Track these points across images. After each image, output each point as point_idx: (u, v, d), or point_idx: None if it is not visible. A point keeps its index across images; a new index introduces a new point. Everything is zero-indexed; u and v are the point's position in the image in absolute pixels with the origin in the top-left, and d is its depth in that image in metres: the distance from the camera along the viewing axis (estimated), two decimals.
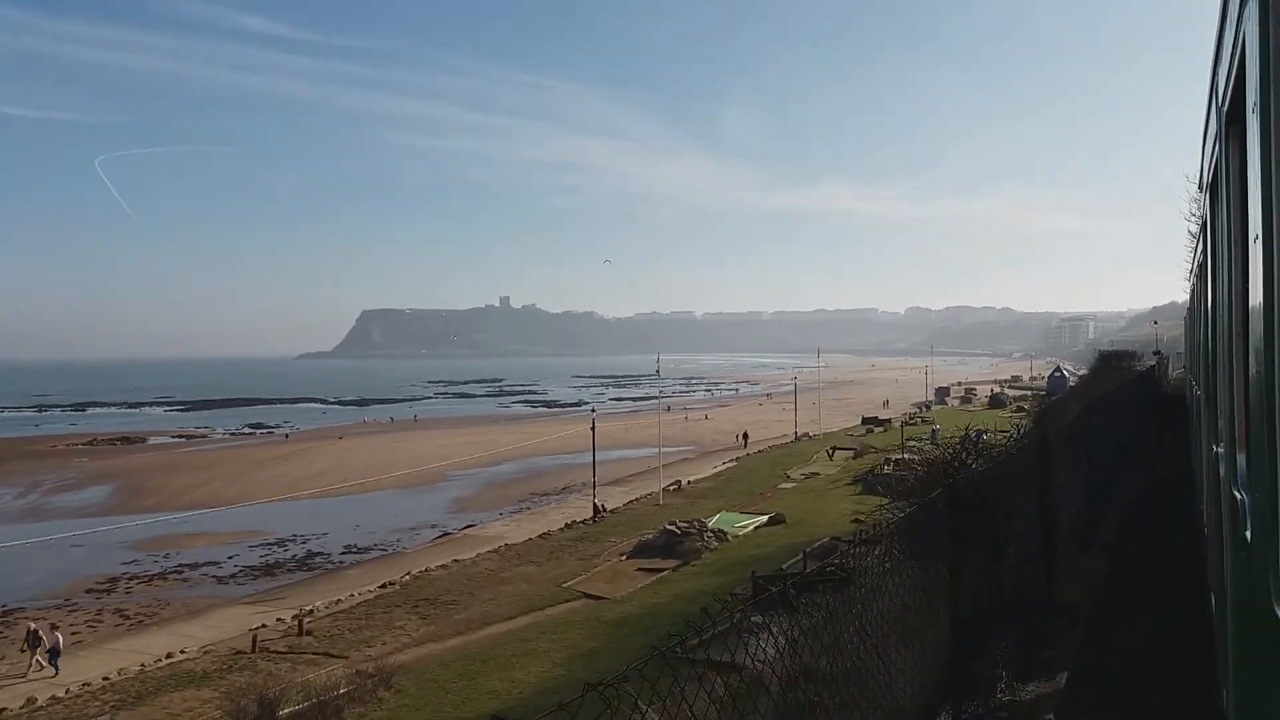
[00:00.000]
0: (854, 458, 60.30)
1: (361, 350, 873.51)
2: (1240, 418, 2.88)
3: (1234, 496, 3.10)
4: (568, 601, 29.68)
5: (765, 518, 40.35)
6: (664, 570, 32.88)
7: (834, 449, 64.80)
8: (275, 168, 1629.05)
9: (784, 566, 27.39)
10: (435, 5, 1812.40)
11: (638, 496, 51.33)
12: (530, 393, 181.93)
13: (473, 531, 45.04)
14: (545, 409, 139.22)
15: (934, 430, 60.94)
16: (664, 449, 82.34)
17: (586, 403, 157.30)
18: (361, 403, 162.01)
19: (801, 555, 26.42)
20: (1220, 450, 4.23)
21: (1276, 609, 1.97)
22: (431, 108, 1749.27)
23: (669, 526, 36.44)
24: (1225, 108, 3.09)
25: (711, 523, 38.67)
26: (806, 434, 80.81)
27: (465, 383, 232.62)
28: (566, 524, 43.39)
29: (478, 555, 37.69)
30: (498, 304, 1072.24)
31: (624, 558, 35.57)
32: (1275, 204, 1.99)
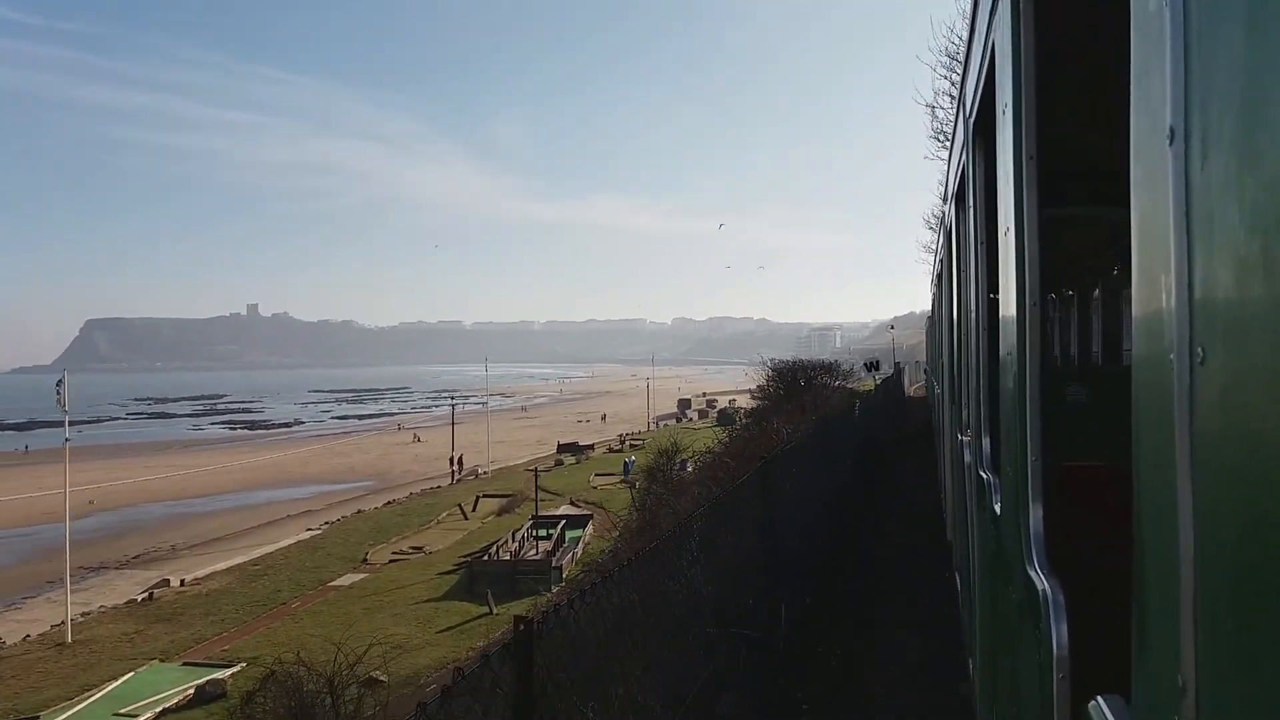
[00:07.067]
0: (498, 514, 46.71)
1: (86, 363, 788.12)
2: (986, 404, 3.32)
3: (981, 477, 3.47)
4: None
5: (205, 679, 23.82)
6: None
7: (479, 498, 50.94)
8: None
9: None
10: None
11: (87, 612, 32.45)
12: (244, 411, 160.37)
13: None
14: (246, 431, 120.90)
15: (627, 464, 52.59)
16: (331, 486, 69.33)
17: (303, 422, 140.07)
18: (27, 426, 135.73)
19: None
20: (966, 439, 4.61)
21: (1027, 570, 2.09)
22: (168, 101, 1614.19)
23: None
24: (972, 118, 3.42)
25: (68, 714, 22.01)
26: (476, 469, 66.25)
27: (176, 400, 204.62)
28: None
29: None
30: (244, 312, 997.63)
31: None
32: (1027, 199, 2.14)
